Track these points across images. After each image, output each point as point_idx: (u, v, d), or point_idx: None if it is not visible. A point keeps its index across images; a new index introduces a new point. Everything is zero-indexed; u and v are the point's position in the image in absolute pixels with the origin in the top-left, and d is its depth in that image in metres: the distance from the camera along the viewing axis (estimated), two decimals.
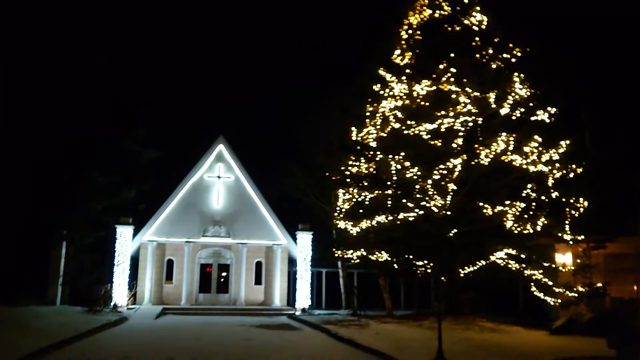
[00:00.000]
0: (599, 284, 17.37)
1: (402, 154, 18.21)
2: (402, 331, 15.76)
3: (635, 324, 10.37)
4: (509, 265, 17.85)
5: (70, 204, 21.77)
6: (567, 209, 17.45)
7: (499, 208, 16.89)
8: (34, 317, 15.57)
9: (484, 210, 17.05)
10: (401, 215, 18.20)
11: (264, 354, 12.09)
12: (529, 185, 17.51)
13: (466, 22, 19.03)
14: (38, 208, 20.03)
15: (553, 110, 18.08)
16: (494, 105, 17.98)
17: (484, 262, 18.38)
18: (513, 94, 18.13)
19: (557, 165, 17.72)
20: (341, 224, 20.45)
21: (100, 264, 26.40)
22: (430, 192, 17.49)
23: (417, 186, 17.78)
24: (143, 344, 13.26)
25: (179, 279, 26.35)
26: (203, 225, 26.75)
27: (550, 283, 17.48)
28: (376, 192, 19.12)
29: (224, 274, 27.44)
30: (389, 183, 18.75)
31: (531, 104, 18.20)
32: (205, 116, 43.83)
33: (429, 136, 17.96)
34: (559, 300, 17.52)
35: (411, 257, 19.32)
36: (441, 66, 18.03)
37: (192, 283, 26.40)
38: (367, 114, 20.30)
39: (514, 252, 17.81)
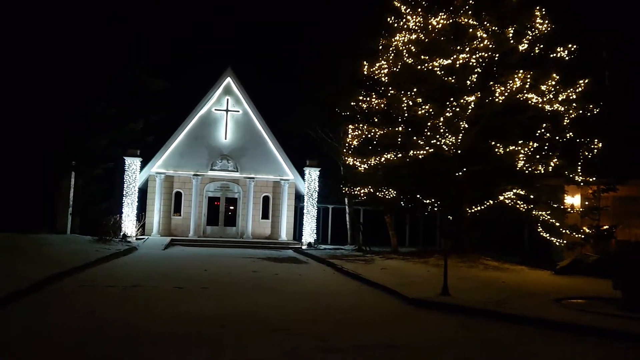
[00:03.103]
0: (606, 227, 17.32)
1: (415, 90, 17.76)
2: (407, 267, 15.94)
3: None
4: (517, 206, 17.77)
5: (79, 135, 21.69)
6: (581, 150, 17.12)
7: (511, 147, 16.58)
8: (45, 245, 15.82)
9: (496, 150, 16.76)
10: (411, 153, 17.98)
11: (272, 285, 12.27)
12: (544, 125, 17.11)
13: None
14: (47, 139, 19.98)
15: (573, 47, 17.35)
16: (512, 41, 17.28)
17: (491, 202, 18.32)
18: (533, 30, 17.37)
19: (574, 105, 17.22)
20: (349, 161, 20.29)
21: (109, 195, 26.65)
22: (441, 130, 17.17)
23: (429, 123, 17.44)
24: (152, 273, 13.51)
25: (187, 211, 26.65)
26: (211, 159, 26.74)
27: (557, 224, 17.46)
28: (386, 128, 18.81)
29: (231, 207, 27.69)
30: (399, 120, 18.38)
31: (551, 40, 17.47)
32: (213, 48, 42.74)
33: (443, 72, 17.42)
34: (565, 241, 17.57)
35: (419, 195, 19.30)
36: None
37: (200, 216, 26.71)
38: (380, 47, 19.65)
39: (523, 192, 17.67)
